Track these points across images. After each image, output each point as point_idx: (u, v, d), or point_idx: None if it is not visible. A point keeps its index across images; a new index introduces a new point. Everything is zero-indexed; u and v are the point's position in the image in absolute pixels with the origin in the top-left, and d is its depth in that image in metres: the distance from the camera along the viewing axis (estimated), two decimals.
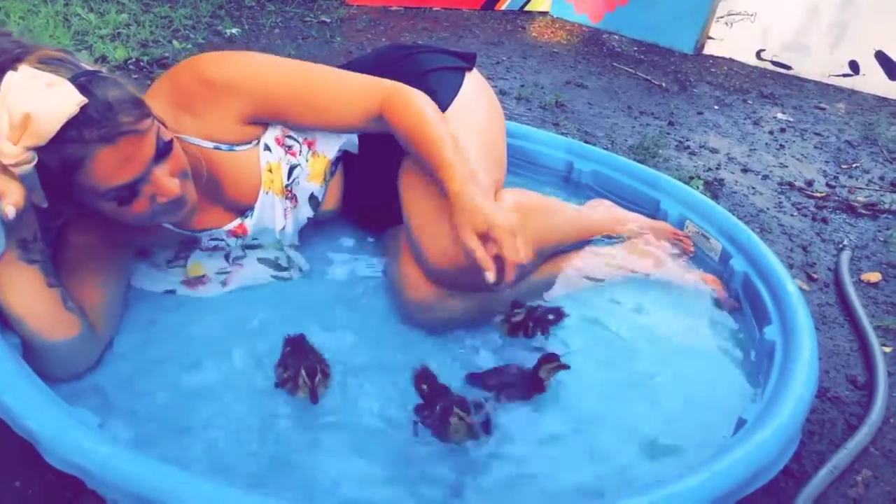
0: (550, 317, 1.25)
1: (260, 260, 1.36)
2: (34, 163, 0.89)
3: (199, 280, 1.32)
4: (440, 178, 1.16)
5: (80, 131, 0.90)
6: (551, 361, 1.13)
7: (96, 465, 0.80)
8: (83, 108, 0.89)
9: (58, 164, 0.92)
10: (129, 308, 1.24)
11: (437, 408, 1.03)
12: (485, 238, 1.07)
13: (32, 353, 1.02)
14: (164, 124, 1.06)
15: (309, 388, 1.04)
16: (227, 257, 1.34)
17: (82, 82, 0.91)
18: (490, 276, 1.05)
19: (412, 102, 1.23)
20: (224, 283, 1.33)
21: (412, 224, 1.26)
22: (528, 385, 1.13)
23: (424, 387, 1.07)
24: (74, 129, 0.90)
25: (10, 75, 0.88)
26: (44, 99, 0.87)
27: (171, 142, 1.04)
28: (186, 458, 0.98)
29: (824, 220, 2.12)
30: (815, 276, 1.77)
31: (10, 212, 0.86)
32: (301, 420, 1.07)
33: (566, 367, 1.13)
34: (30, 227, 0.97)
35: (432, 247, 1.21)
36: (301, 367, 1.05)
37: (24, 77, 0.88)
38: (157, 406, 1.06)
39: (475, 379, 1.15)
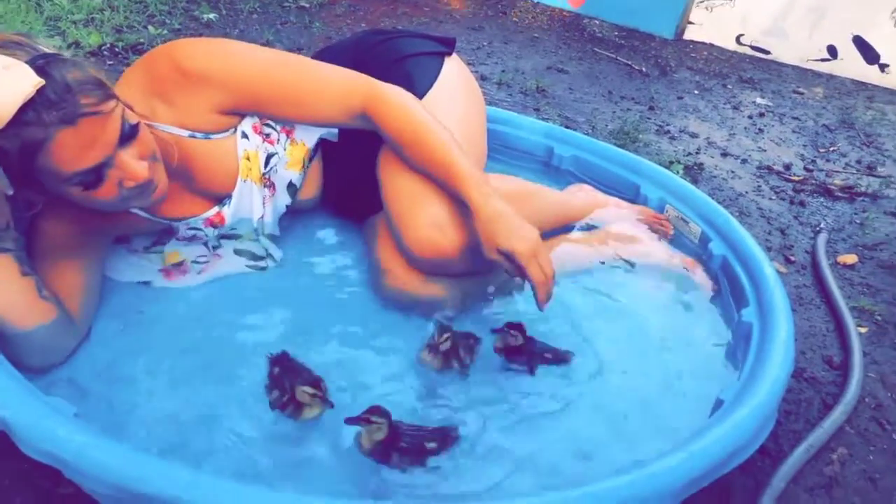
0: (471, 341, 1.19)
1: (236, 251, 1.35)
2: None
3: (178, 268, 1.31)
4: (453, 186, 1.18)
5: (39, 113, 0.88)
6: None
7: (72, 454, 0.79)
8: (41, 90, 0.88)
9: (17, 148, 0.90)
10: (105, 297, 1.22)
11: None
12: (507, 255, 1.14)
13: (7, 343, 1.00)
14: (130, 108, 1.04)
15: (320, 397, 1.00)
16: (205, 245, 1.33)
17: (40, 65, 0.90)
18: (519, 281, 1.17)
19: (401, 105, 1.22)
20: (200, 273, 1.32)
21: (392, 212, 1.25)
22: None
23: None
24: (32, 112, 0.88)
25: None
26: None
27: (137, 125, 1.02)
28: (163, 447, 0.97)
29: (802, 204, 2.14)
30: (792, 258, 1.79)
31: None
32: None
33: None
34: (2, 216, 0.96)
35: (412, 234, 1.21)
36: (297, 385, 1.01)
37: None
38: (134, 395, 1.05)
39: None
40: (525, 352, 1.19)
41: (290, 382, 1.03)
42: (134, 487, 0.76)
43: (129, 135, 1.00)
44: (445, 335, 1.14)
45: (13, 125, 0.87)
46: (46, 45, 0.96)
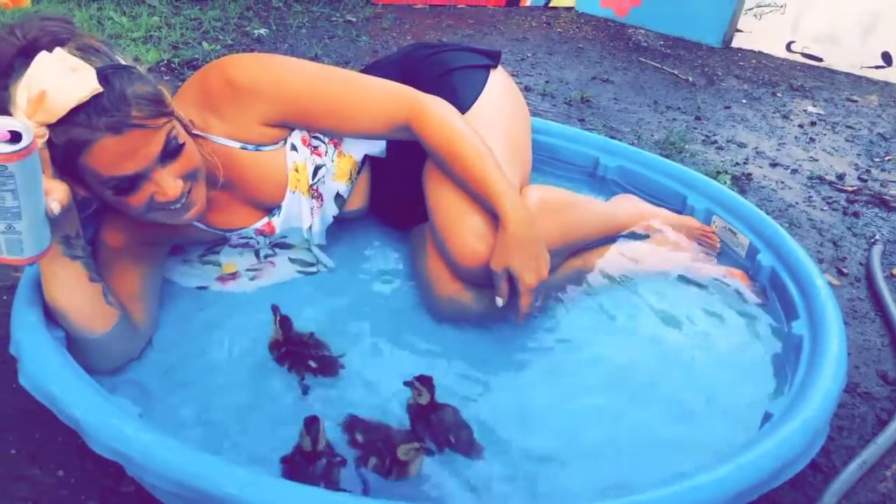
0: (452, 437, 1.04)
1: (291, 259, 1.39)
2: (45, 138, 0.93)
3: (232, 277, 1.36)
4: (488, 200, 1.21)
5: (89, 117, 0.93)
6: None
7: (138, 451, 0.83)
8: (97, 96, 0.93)
9: (64, 143, 0.95)
10: (165, 302, 1.27)
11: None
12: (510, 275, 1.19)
13: (76, 346, 1.06)
14: (188, 125, 1.08)
15: (423, 449, 0.96)
16: (257, 254, 1.38)
17: (106, 73, 0.95)
18: (500, 301, 1.22)
19: (442, 118, 1.24)
20: (253, 279, 1.36)
21: (437, 221, 1.28)
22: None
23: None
24: (84, 114, 0.93)
25: (42, 55, 0.92)
26: (62, 80, 0.91)
27: (182, 145, 1.05)
28: (222, 448, 1.01)
29: (856, 214, 2.09)
30: (845, 270, 1.75)
31: (56, 208, 0.90)
32: (335, 410, 1.09)
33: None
34: (73, 225, 1.01)
35: (457, 244, 1.23)
36: (398, 445, 0.97)
37: (53, 58, 0.92)
38: (194, 397, 1.09)
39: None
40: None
41: (384, 445, 0.99)
42: (195, 484, 0.80)
43: (171, 152, 1.04)
44: (421, 385, 1.05)
45: (64, 122, 0.92)
46: (125, 57, 1.02)
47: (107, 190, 1.03)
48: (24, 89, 0.91)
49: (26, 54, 0.94)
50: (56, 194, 0.91)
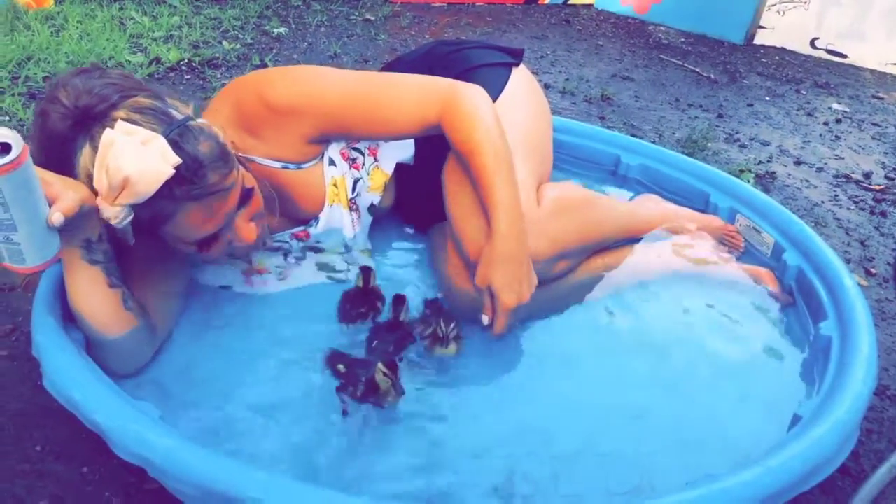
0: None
1: (318, 265, 1.39)
2: (130, 217, 0.95)
3: (259, 273, 1.35)
4: (488, 209, 1.19)
5: (172, 189, 0.95)
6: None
7: (159, 457, 0.84)
8: (175, 167, 0.93)
9: (149, 216, 0.97)
10: (189, 301, 1.27)
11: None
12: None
13: (92, 346, 1.05)
14: (238, 154, 1.09)
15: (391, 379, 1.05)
16: (285, 256, 1.38)
17: (174, 138, 0.95)
18: (485, 319, 1.20)
19: (469, 118, 1.20)
20: (282, 280, 1.35)
21: (454, 218, 1.28)
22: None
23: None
24: (167, 187, 0.94)
25: (107, 133, 0.91)
26: (140, 160, 0.90)
27: (252, 189, 1.08)
28: (244, 448, 1.00)
29: (883, 214, 2.05)
30: (873, 271, 1.72)
31: (58, 219, 0.86)
32: (357, 412, 1.08)
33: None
34: (94, 228, 0.98)
35: (471, 241, 1.23)
36: (376, 365, 1.06)
37: (119, 135, 0.91)
38: (213, 396, 1.09)
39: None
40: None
41: (364, 370, 1.07)
42: (215, 488, 0.80)
43: (244, 199, 1.07)
44: (452, 324, 1.19)
45: (148, 199, 0.94)
46: (175, 102, 1.02)
47: (189, 246, 1.06)
48: (101, 174, 0.91)
49: (82, 124, 0.94)
50: (61, 204, 0.87)
